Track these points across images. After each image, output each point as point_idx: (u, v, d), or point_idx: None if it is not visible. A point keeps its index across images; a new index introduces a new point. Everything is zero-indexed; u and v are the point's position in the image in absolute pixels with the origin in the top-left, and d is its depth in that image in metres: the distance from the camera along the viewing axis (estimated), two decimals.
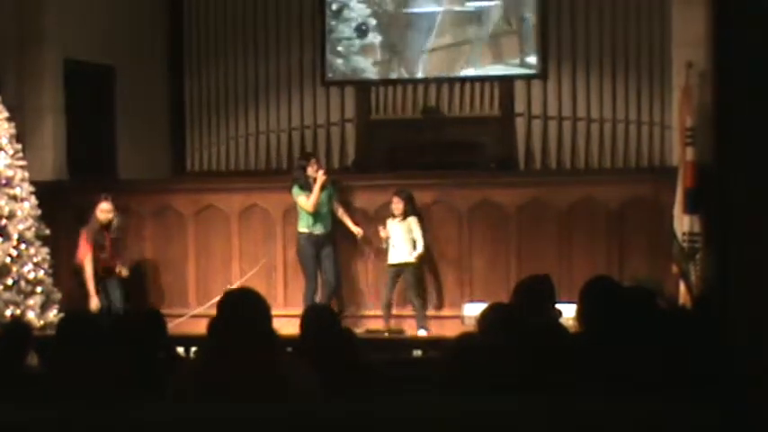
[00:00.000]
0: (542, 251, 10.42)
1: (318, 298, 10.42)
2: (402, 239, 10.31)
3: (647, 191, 10.39)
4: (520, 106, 12.93)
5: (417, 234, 10.31)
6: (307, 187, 10.47)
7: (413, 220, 10.32)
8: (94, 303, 10.22)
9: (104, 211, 10.41)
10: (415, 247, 10.32)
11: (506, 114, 12.98)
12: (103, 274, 10.43)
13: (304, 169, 10.59)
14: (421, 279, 10.53)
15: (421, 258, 10.38)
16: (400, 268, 10.36)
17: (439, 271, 10.66)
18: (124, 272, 10.53)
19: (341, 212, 10.67)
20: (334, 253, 10.56)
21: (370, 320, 10.61)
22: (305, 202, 10.43)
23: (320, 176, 10.41)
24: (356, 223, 10.64)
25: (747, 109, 2.71)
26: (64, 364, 4.63)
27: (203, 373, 4.04)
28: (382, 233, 10.32)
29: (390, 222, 10.37)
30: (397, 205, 10.32)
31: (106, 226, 10.44)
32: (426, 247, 10.43)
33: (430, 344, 9.06)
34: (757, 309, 2.65)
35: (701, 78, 9.86)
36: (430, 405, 2.98)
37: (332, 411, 3.09)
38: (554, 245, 10.45)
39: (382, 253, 10.56)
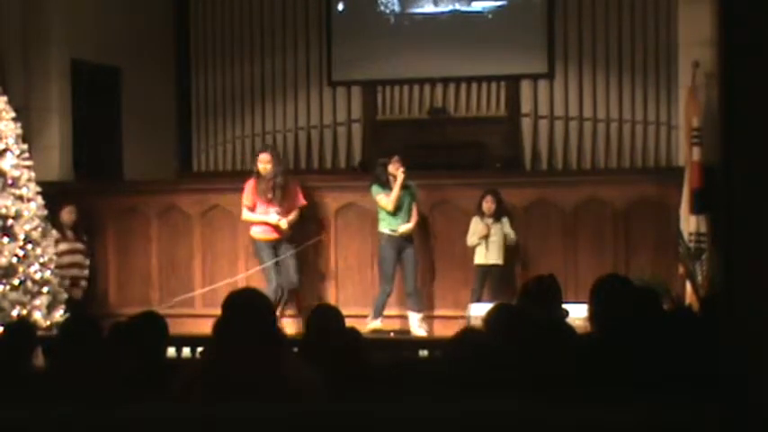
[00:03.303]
0: (548, 251, 10.41)
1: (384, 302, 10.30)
2: (494, 239, 10.13)
3: (654, 191, 10.37)
4: (526, 106, 12.95)
5: (511, 231, 10.16)
6: (387, 186, 10.20)
7: (506, 221, 10.20)
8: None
9: (265, 161, 10.36)
10: (505, 247, 10.19)
11: (513, 114, 13.00)
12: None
13: (385, 167, 10.26)
14: (510, 280, 10.32)
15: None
16: (489, 268, 10.16)
17: (445, 271, 10.64)
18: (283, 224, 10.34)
19: (416, 215, 10.34)
20: (415, 255, 10.32)
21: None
22: (385, 201, 10.17)
23: (399, 174, 10.11)
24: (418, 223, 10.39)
25: (754, 109, 2.70)
26: (66, 365, 4.63)
27: (207, 372, 4.05)
28: (483, 231, 10.10)
29: (479, 221, 10.17)
30: (491, 205, 10.13)
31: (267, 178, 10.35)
32: (432, 246, 10.42)
33: (436, 344, 9.04)
34: (762, 309, 2.64)
35: (708, 78, 9.84)
36: (430, 405, 2.98)
37: (333, 411, 3.09)
38: (560, 245, 10.44)
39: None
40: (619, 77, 12.73)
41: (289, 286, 10.42)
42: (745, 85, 2.67)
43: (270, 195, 10.30)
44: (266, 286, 10.16)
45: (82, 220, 10.78)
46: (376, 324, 10.14)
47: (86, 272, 10.78)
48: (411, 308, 10.25)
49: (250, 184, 10.40)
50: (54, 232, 10.21)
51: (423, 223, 10.57)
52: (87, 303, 10.74)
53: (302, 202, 10.52)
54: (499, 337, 4.49)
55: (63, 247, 10.54)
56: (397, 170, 10.15)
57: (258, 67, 13.62)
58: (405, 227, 10.20)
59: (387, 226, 10.23)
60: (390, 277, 10.24)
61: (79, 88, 11.95)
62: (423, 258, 10.58)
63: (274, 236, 10.34)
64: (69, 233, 10.66)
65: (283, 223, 10.28)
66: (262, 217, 10.35)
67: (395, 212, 10.20)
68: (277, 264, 10.36)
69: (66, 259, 10.54)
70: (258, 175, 10.36)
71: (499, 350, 3.91)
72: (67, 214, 10.65)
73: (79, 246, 10.72)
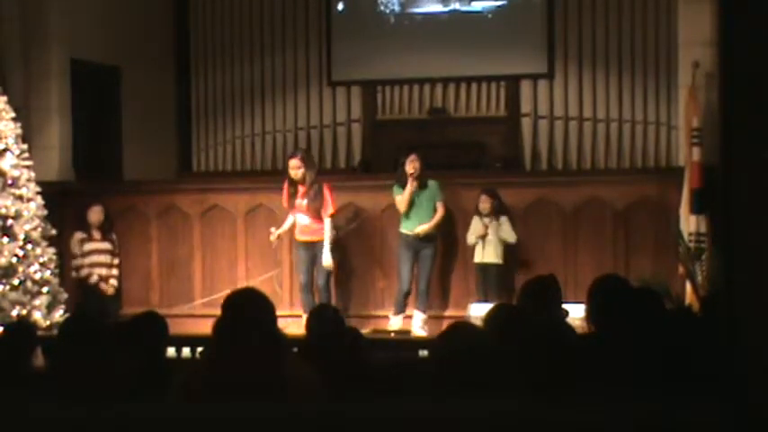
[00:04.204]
0: (548, 251, 10.41)
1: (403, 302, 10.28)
2: (491, 239, 10.10)
3: (654, 191, 10.37)
4: (526, 106, 12.94)
5: (509, 233, 10.14)
6: (405, 185, 10.11)
7: (504, 219, 10.18)
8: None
9: (293, 167, 10.17)
10: (504, 246, 10.16)
11: (512, 114, 12.99)
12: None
13: (403, 166, 10.14)
14: (508, 279, 10.26)
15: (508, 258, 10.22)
16: (486, 267, 10.15)
17: (445, 270, 10.63)
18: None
19: (438, 215, 10.20)
20: (433, 258, 10.25)
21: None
22: (398, 201, 10.15)
23: (410, 174, 10.04)
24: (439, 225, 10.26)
25: (754, 109, 2.70)
26: (66, 364, 4.63)
27: (207, 373, 4.05)
28: (481, 230, 10.09)
29: (478, 220, 10.17)
30: (485, 204, 10.14)
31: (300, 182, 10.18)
32: (437, 247, 10.41)
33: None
34: (762, 309, 2.64)
35: (708, 78, 9.84)
36: (430, 405, 2.97)
37: (333, 411, 3.08)
38: (560, 245, 10.43)
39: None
40: (619, 77, 12.72)
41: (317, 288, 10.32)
42: (745, 85, 2.67)
43: (296, 201, 10.19)
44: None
45: (108, 219, 10.73)
46: (397, 321, 10.16)
47: (115, 271, 10.72)
48: (417, 307, 10.26)
49: (285, 187, 10.28)
50: (52, 232, 10.18)
51: None
52: (121, 302, 10.77)
53: (330, 210, 10.16)
54: (498, 338, 4.48)
55: (89, 246, 10.54)
56: (411, 169, 10.10)
57: (258, 67, 13.61)
58: (420, 227, 10.16)
59: (403, 227, 10.23)
60: (404, 278, 10.22)
61: (79, 88, 11.94)
62: None
63: (305, 238, 10.23)
64: (96, 233, 10.63)
65: (272, 237, 10.22)
66: (287, 224, 10.30)
67: (408, 213, 10.16)
68: (313, 264, 10.18)
69: (92, 259, 10.53)
70: (290, 179, 10.20)
71: (497, 349, 3.91)
72: (95, 214, 10.61)
73: (106, 245, 10.68)
